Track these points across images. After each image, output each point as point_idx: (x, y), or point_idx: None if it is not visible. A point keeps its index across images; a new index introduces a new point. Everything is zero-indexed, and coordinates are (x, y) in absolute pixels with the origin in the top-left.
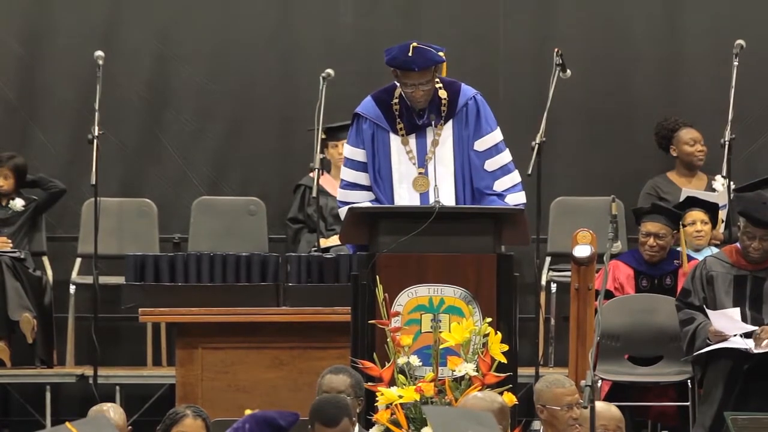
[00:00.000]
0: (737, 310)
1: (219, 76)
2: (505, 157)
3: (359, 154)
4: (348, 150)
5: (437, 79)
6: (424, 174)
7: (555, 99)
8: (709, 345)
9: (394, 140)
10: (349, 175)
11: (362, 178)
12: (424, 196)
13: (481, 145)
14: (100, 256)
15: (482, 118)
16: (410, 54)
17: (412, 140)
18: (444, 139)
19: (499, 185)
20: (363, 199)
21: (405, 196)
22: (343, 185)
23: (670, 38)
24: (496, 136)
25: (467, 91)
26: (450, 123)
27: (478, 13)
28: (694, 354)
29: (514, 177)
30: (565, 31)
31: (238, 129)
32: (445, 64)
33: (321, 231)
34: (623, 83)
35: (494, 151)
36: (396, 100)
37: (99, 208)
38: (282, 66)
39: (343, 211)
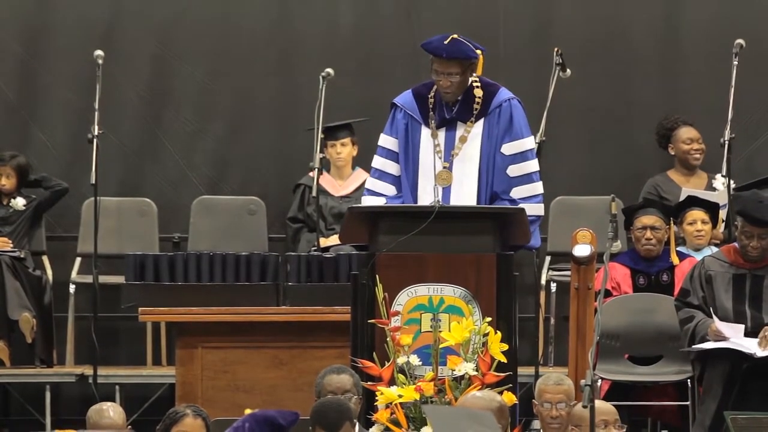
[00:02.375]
0: (742, 327)
1: (219, 76)
2: (532, 166)
3: (391, 143)
4: (381, 138)
5: (476, 78)
6: (448, 168)
7: (555, 98)
8: (707, 341)
9: (425, 133)
10: (378, 162)
11: (390, 166)
12: (446, 190)
13: (508, 149)
14: (100, 255)
15: (515, 122)
16: (445, 42)
17: (441, 134)
18: (473, 137)
19: (517, 192)
20: (388, 192)
21: (428, 189)
22: (372, 173)
23: (669, 38)
24: (526, 143)
25: (504, 93)
26: (481, 121)
27: (477, 12)
28: (694, 347)
29: (536, 188)
30: (564, 31)
31: (238, 128)
32: (481, 63)
33: (321, 230)
34: (623, 83)
35: (520, 157)
36: (432, 94)
37: (99, 208)
38: (282, 65)
39: (366, 200)
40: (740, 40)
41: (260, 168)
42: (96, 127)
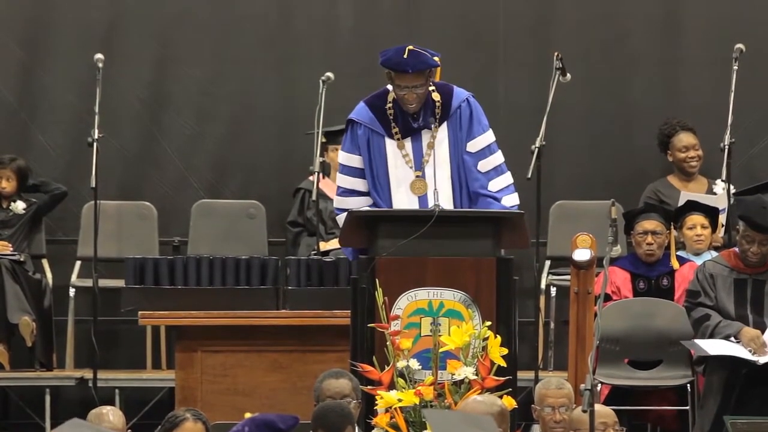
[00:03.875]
0: None
1: (219, 79)
2: (498, 158)
3: (355, 161)
4: (343, 156)
5: (430, 83)
6: (421, 177)
7: (555, 103)
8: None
9: (390, 144)
10: (345, 181)
11: (359, 184)
12: (422, 199)
13: (473, 146)
14: (100, 259)
15: (475, 120)
16: (405, 56)
17: (408, 144)
18: (440, 142)
19: (493, 186)
20: (360, 205)
21: (403, 200)
22: (339, 192)
23: (669, 42)
24: (488, 137)
25: (460, 93)
26: (445, 125)
27: (477, 16)
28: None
29: (507, 178)
30: (565, 35)
31: (238, 132)
32: (439, 69)
33: (320, 234)
34: (623, 87)
35: (487, 152)
36: (390, 104)
37: (99, 211)
38: (282, 69)
39: (340, 219)
40: (740, 45)
41: (260, 172)
42: (96, 131)
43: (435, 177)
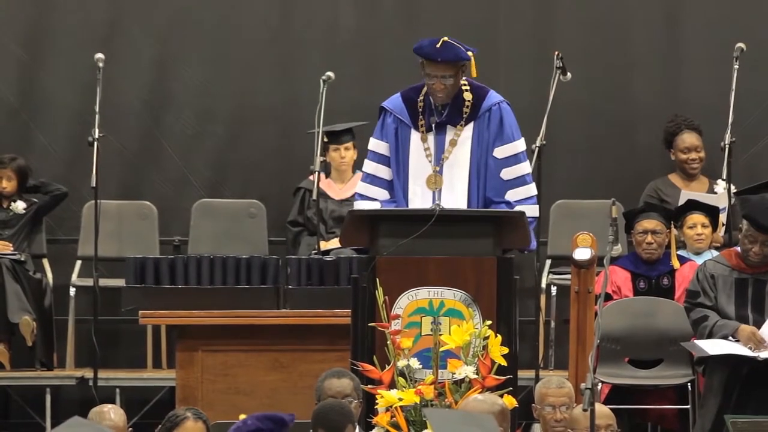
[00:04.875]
0: None
1: (219, 79)
2: (524, 168)
3: (382, 147)
4: (372, 142)
5: (465, 81)
6: (438, 172)
7: (555, 102)
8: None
9: (415, 136)
10: (369, 167)
11: (383, 171)
12: (436, 194)
13: (500, 152)
14: (101, 258)
15: (505, 125)
16: (438, 45)
17: (431, 138)
18: (463, 141)
19: (512, 195)
20: (381, 197)
21: (419, 192)
22: (363, 177)
23: (670, 41)
24: (518, 145)
25: (494, 97)
26: (471, 125)
27: (478, 16)
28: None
29: (530, 189)
30: (565, 34)
31: (239, 131)
32: (474, 65)
33: (321, 234)
34: (624, 86)
35: (513, 160)
36: (421, 98)
37: (99, 211)
38: (282, 68)
39: (359, 204)
40: (741, 44)
41: (260, 171)
42: (96, 130)
43: (451, 175)
